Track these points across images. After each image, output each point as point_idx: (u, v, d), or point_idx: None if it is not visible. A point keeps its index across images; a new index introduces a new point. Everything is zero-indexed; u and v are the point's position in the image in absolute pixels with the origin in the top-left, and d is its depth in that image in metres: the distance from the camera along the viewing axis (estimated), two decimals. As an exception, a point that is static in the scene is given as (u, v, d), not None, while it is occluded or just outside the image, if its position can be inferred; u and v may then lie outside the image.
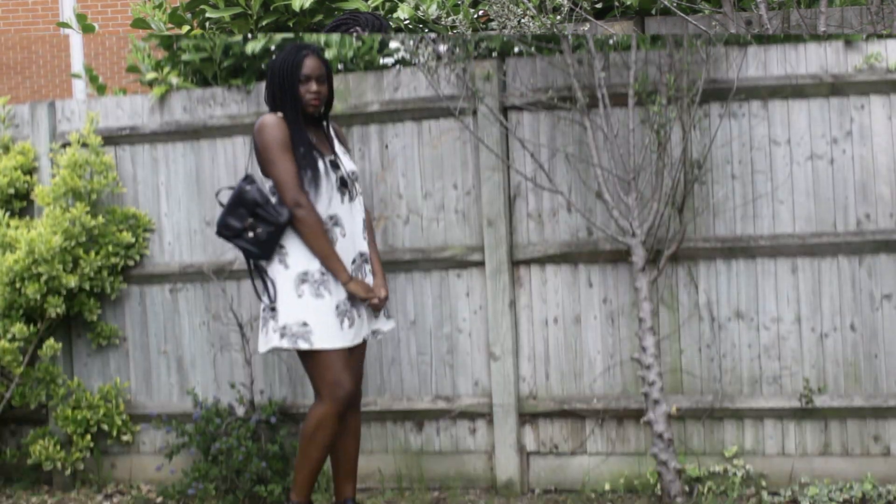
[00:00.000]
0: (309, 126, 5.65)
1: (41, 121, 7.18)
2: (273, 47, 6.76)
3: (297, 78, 5.56)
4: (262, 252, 5.47)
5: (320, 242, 5.46)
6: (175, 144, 7.04)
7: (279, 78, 5.61)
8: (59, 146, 7.12)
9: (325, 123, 5.74)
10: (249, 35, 6.95)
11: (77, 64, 14.29)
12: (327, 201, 5.53)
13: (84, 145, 6.95)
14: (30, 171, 7.17)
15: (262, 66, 6.83)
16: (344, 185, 5.59)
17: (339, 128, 5.99)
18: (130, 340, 7.14)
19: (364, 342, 5.70)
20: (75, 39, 14.42)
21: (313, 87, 5.56)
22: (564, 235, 6.44)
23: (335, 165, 5.59)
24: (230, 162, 6.92)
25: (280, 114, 5.56)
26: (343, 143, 5.82)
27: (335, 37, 6.73)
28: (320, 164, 5.53)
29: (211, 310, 6.98)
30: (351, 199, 5.60)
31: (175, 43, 7.15)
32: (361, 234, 5.66)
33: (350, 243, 5.57)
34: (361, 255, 5.64)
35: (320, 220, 5.47)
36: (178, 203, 7.02)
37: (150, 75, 7.12)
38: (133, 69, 7.36)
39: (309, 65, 5.55)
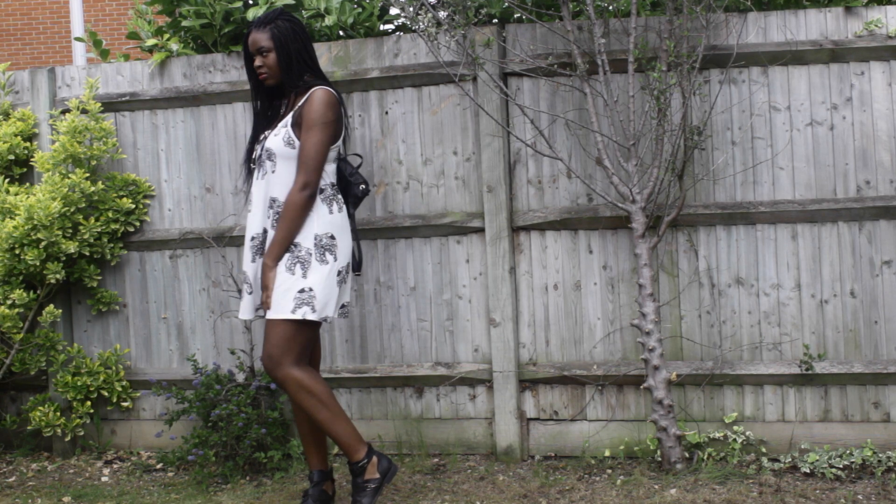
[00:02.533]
0: (281, 99, 5.68)
1: (41, 87, 7.17)
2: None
3: (249, 58, 5.63)
4: None
5: None
6: (175, 111, 7.03)
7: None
8: (59, 112, 7.12)
9: (295, 92, 5.62)
10: (251, 0, 6.94)
11: (77, 30, 14.25)
12: (252, 178, 5.65)
13: (84, 111, 6.95)
14: (29, 137, 7.17)
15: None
16: (255, 162, 5.61)
17: (323, 97, 5.42)
18: (130, 307, 7.15)
19: (270, 320, 5.42)
20: (75, 6, 14.38)
21: (257, 62, 5.57)
22: (564, 202, 6.44)
23: (261, 142, 5.60)
24: (230, 128, 6.91)
25: None
26: (300, 113, 5.46)
27: (335, 2, 6.72)
28: (257, 144, 5.64)
29: (211, 276, 6.99)
30: (263, 175, 5.52)
31: (176, 9, 7.14)
32: (265, 210, 5.52)
33: (255, 219, 5.55)
34: (264, 231, 5.54)
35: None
36: (178, 169, 7.02)
37: (151, 41, 7.11)
38: (133, 35, 7.35)
39: (250, 42, 5.58)
